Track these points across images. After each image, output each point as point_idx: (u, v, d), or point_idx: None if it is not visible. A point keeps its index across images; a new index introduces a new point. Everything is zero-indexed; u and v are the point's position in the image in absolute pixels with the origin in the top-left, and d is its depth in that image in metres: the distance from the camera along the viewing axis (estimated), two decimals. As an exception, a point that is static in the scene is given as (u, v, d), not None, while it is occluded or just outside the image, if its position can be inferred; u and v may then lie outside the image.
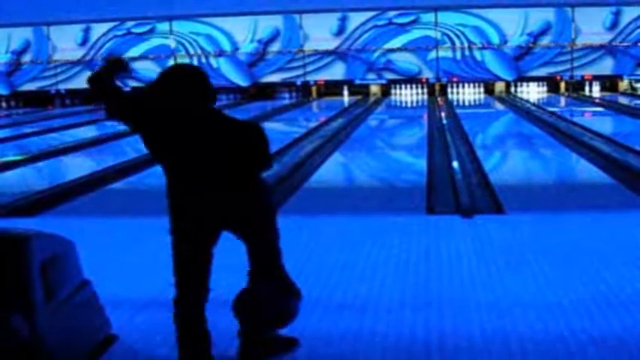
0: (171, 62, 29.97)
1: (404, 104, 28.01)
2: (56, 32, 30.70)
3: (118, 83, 4.62)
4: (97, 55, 30.56)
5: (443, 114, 22.05)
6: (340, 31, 29.46)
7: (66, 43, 30.66)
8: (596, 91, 29.46)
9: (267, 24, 29.76)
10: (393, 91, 30.24)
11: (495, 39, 28.83)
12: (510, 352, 4.47)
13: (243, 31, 29.93)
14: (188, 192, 4.36)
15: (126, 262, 6.71)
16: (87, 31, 30.57)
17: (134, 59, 30.32)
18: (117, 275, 6.24)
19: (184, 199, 4.40)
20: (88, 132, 20.79)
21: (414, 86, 29.94)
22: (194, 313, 4.34)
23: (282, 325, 4.43)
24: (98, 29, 30.50)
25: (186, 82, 4.18)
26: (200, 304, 4.37)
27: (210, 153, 4.19)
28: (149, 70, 30.34)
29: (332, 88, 30.27)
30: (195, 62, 30.07)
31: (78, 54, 30.76)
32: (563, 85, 29.67)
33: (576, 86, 29.48)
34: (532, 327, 4.85)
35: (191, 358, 4.28)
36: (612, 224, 7.67)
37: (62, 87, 31.13)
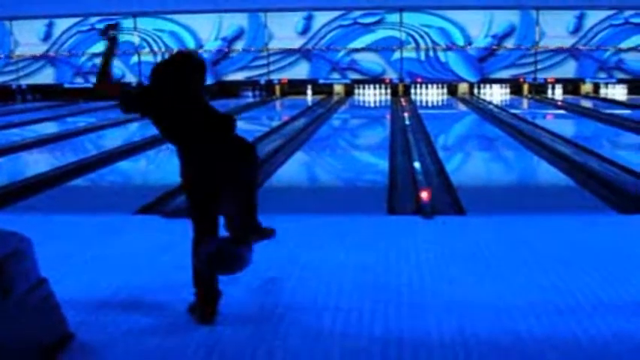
0: (134, 59, 29.87)
1: (367, 104, 28.04)
2: (18, 27, 30.45)
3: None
4: (60, 50, 30.35)
5: (406, 114, 22.08)
6: (305, 30, 29.46)
7: (28, 38, 30.42)
8: (558, 94, 29.65)
9: (232, 22, 29.70)
10: (356, 90, 30.27)
11: (460, 40, 28.93)
12: (468, 353, 4.48)
13: (208, 29, 29.84)
14: (197, 160, 5.13)
15: (84, 260, 6.66)
16: (50, 26, 30.35)
17: (97, 55, 30.16)
18: (74, 273, 6.20)
19: (195, 165, 5.15)
20: (49, 128, 20.64)
21: (377, 86, 29.99)
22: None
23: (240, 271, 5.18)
24: (61, 24, 30.28)
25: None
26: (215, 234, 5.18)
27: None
28: (112, 66, 30.15)
29: (296, 87, 30.26)
30: (158, 59, 29.98)
31: (40, 49, 30.52)
32: (526, 87, 29.84)
33: (539, 89, 29.66)
34: (491, 328, 4.86)
35: (209, 287, 5.12)
36: (572, 227, 7.71)
37: (24, 82, 30.88)
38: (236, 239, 5.25)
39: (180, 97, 5.08)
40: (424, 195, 9.05)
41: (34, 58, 30.66)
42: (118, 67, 30.16)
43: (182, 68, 5.10)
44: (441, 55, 29.18)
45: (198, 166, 5.15)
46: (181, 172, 5.24)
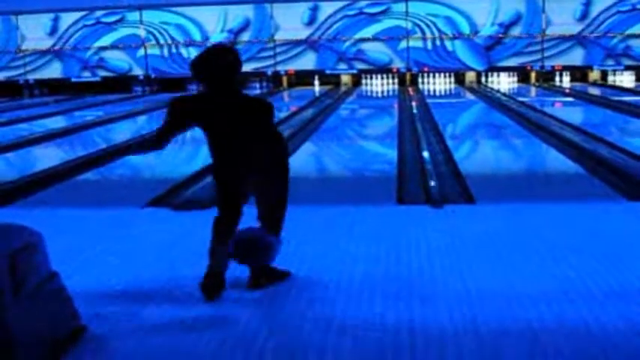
0: (141, 52, 29.88)
1: (375, 94, 28.00)
2: (25, 22, 30.46)
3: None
4: (67, 44, 30.36)
5: (414, 104, 22.07)
6: (311, 20, 29.41)
7: (34, 32, 30.43)
8: (566, 81, 29.57)
9: (238, 13, 29.65)
10: (363, 80, 30.23)
11: (466, 29, 28.86)
12: (481, 342, 4.48)
13: (214, 21, 29.82)
14: (228, 152, 5.42)
15: (94, 254, 6.67)
16: (56, 20, 30.34)
17: (103, 49, 30.19)
18: (85, 267, 6.22)
19: (225, 156, 5.44)
20: (58, 122, 20.65)
21: (384, 76, 29.94)
22: (228, 230, 5.43)
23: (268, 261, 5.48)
24: (67, 19, 30.27)
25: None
26: (233, 223, 5.48)
27: (236, 123, 5.36)
28: (119, 60, 30.22)
29: (303, 77, 30.22)
30: (165, 52, 30.00)
31: (47, 43, 30.53)
32: (533, 75, 29.76)
33: (547, 76, 29.58)
34: (502, 317, 4.86)
35: (217, 264, 5.39)
36: (582, 214, 7.70)
37: (31, 77, 30.91)
38: (266, 229, 5.50)
39: (218, 89, 5.44)
40: (433, 184, 9.05)
41: (41, 53, 30.66)
42: (124, 60, 30.19)
43: (218, 61, 5.45)
44: (448, 44, 29.11)
45: (229, 152, 5.43)
46: (213, 157, 5.53)
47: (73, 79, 30.64)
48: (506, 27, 28.60)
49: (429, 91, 27.90)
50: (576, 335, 4.55)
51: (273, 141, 5.52)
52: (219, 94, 5.43)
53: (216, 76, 5.43)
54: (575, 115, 20.05)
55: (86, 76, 30.58)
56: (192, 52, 29.80)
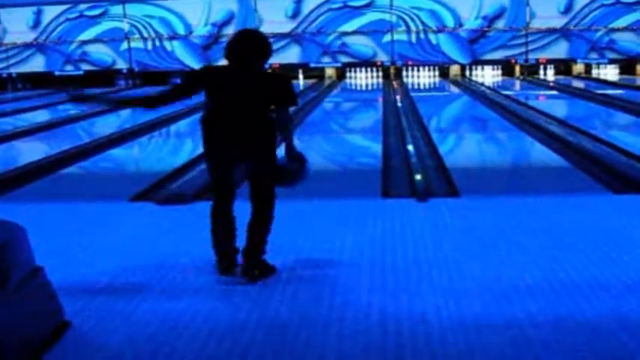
0: (124, 45, 29.79)
1: (359, 87, 28.01)
2: (6, 15, 30.33)
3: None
4: (49, 38, 30.24)
5: (398, 97, 22.08)
6: (295, 14, 29.38)
7: (17, 26, 30.29)
8: (550, 74, 29.65)
9: (222, 7, 29.60)
10: (348, 74, 30.24)
11: (450, 22, 28.88)
12: (467, 335, 4.48)
13: (197, 14, 29.76)
14: (223, 120, 5.65)
15: (79, 248, 6.64)
16: (38, 13, 30.22)
17: (87, 42, 30.08)
18: (70, 261, 6.19)
19: (218, 127, 5.68)
20: (41, 116, 20.58)
21: (369, 69, 29.96)
22: (225, 212, 5.88)
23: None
24: (50, 12, 30.15)
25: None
26: (229, 202, 5.90)
27: (245, 95, 5.62)
28: (102, 53, 30.13)
29: (287, 71, 30.18)
30: (148, 46, 29.92)
31: (29, 37, 30.40)
32: (517, 68, 29.81)
33: (531, 70, 29.64)
34: (488, 310, 4.86)
35: (221, 246, 5.81)
36: (567, 208, 7.71)
37: (14, 70, 30.78)
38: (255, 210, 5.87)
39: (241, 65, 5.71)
40: (418, 178, 9.05)
41: (24, 46, 30.53)
42: (107, 54, 30.10)
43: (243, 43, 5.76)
44: (432, 38, 29.13)
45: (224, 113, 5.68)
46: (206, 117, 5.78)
47: (57, 73, 30.53)
48: (491, 20, 28.64)
49: (413, 84, 27.92)
50: (563, 328, 4.55)
51: (269, 121, 5.74)
52: (241, 69, 5.71)
53: (241, 55, 5.71)
54: (559, 108, 20.09)
55: (69, 69, 30.48)
56: (176, 46, 29.77)
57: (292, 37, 29.51)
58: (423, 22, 28.95)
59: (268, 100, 5.70)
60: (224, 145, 5.71)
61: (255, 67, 5.76)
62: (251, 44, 5.76)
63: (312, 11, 29.23)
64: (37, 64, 30.59)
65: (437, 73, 29.75)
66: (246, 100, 5.63)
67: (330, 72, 30.39)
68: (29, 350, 4.25)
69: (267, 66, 5.92)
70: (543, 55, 28.80)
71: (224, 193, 5.89)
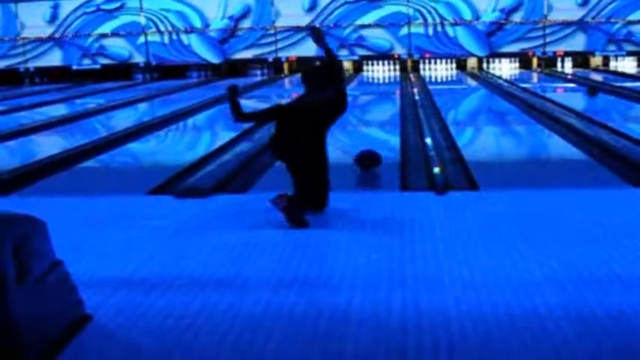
0: (141, 39, 29.82)
1: (376, 80, 27.98)
2: (24, 9, 30.42)
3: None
4: (67, 32, 30.31)
5: (415, 90, 22.05)
6: (312, 7, 29.38)
7: (34, 20, 30.39)
8: (568, 67, 29.55)
9: (238, 0, 29.61)
10: (365, 67, 30.23)
11: (467, 15, 28.83)
12: (487, 328, 4.46)
13: (214, 8, 29.78)
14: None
15: (99, 241, 6.65)
16: (55, 8, 30.31)
17: (104, 36, 30.13)
18: (90, 254, 6.20)
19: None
20: (59, 110, 20.64)
21: (386, 62, 29.93)
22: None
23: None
24: (67, 6, 30.24)
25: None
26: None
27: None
28: (120, 47, 30.19)
29: (304, 64, 30.14)
30: (165, 39, 29.96)
31: (47, 31, 30.49)
32: (535, 61, 29.72)
33: (548, 62, 29.55)
34: (507, 303, 4.84)
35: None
36: (585, 201, 7.68)
37: (31, 65, 30.88)
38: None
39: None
40: (437, 170, 9.04)
41: (41, 41, 30.62)
42: (124, 47, 30.15)
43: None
44: (449, 30, 29.09)
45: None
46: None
47: (74, 67, 30.62)
48: (508, 13, 28.58)
49: (430, 77, 27.87)
50: (582, 321, 4.53)
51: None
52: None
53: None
54: (577, 101, 20.01)
55: (87, 63, 30.58)
56: (193, 39, 29.80)
57: (309, 30, 29.49)
58: (440, 15, 28.91)
59: None
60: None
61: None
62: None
63: (328, 4, 29.21)
64: (54, 58, 30.69)
65: (454, 65, 29.73)
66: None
67: (347, 65, 30.37)
68: (51, 343, 4.26)
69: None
70: (561, 48, 28.72)
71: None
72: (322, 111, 7.26)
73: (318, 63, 6.93)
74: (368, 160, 10.07)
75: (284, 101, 7.43)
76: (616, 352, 4.17)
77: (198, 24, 29.93)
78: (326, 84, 7.39)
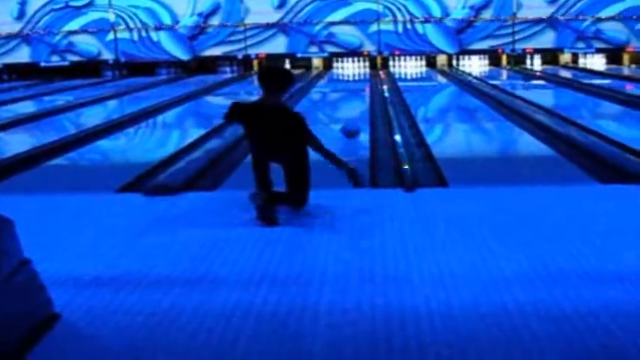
0: (110, 36, 29.68)
1: (346, 77, 27.99)
2: (-9, 6, 30.22)
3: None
4: (35, 28, 30.12)
5: (385, 87, 22.07)
6: (281, 4, 29.35)
7: (1, 17, 30.16)
8: (537, 64, 29.69)
9: (208, -3, 29.58)
10: (335, 64, 30.24)
11: (437, 12, 28.91)
12: (456, 325, 4.48)
13: (183, 4, 29.69)
14: (261, 146, 7.24)
15: (68, 240, 6.61)
16: (23, 4, 30.10)
17: (72, 33, 29.97)
18: (59, 253, 6.16)
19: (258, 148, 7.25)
20: (27, 107, 20.50)
21: (356, 59, 29.95)
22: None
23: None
24: (35, 3, 30.05)
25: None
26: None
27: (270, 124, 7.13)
28: (88, 44, 30.03)
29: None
30: (134, 36, 29.83)
31: (15, 28, 30.28)
32: (504, 58, 29.84)
33: (518, 59, 29.67)
34: (477, 300, 4.86)
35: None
36: (553, 197, 7.72)
37: (-1, 62, 30.70)
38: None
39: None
40: (406, 168, 9.07)
41: (8, 38, 30.40)
42: (93, 44, 30.00)
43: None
44: (419, 27, 29.15)
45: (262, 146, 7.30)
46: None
47: (42, 64, 30.42)
48: (477, 10, 28.69)
49: (400, 74, 27.91)
50: (551, 318, 4.55)
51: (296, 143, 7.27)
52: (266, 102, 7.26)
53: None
54: (546, 97, 20.11)
55: (55, 60, 30.38)
56: (162, 36, 29.70)
57: (279, 28, 29.47)
58: (409, 12, 28.96)
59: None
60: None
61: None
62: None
63: (298, 1, 29.19)
64: (22, 55, 30.49)
65: (424, 62, 29.80)
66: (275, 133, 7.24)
67: (317, 62, 30.40)
68: (18, 343, 4.23)
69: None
70: (530, 45, 28.86)
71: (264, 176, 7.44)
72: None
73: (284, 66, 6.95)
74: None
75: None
76: (585, 349, 4.19)
77: (167, 21, 29.84)
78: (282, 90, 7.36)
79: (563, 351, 4.15)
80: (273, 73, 7.33)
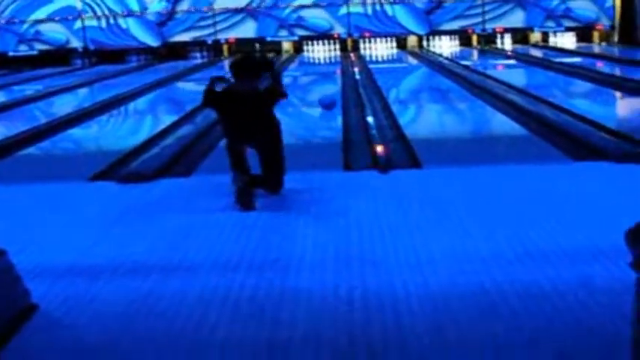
0: (78, 24, 29.48)
1: (317, 61, 27.96)
2: (-45, -5, 29.92)
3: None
4: (1, 18, 29.87)
5: (356, 69, 22.05)
6: (250, -12, 29.25)
7: (-32, 5, 29.91)
8: (507, 43, 29.73)
9: (176, -18, 29.43)
10: (305, 47, 30.17)
11: (407, -7, 28.90)
12: (435, 306, 4.48)
13: (152, -9, 29.54)
14: (236, 127, 7.26)
15: (42, 230, 6.58)
16: (-10, -7, 29.87)
17: (40, 22, 29.74)
18: (34, 243, 6.13)
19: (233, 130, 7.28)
20: (-3, 97, 20.36)
21: (326, 42, 29.89)
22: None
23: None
24: (1, -8, 29.80)
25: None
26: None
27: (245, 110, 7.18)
28: (56, 32, 29.81)
29: (243, 46, 29.97)
30: (103, 23, 29.64)
31: (-19, 16, 30.03)
32: (475, 38, 29.86)
33: (488, 39, 29.70)
34: (454, 280, 4.87)
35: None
36: (529, 176, 7.75)
37: (-33, 51, 30.42)
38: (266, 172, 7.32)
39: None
40: (380, 149, 9.07)
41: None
42: (61, 32, 29.78)
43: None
44: (388, 9, 29.12)
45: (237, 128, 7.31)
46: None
47: (10, 54, 30.18)
48: (447, -10, 28.67)
49: (371, 56, 27.90)
50: (529, 295, 4.57)
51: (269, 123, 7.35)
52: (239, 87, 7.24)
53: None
54: (518, 77, 20.17)
55: (23, 50, 30.15)
56: (131, 23, 29.55)
57: (248, 12, 29.37)
58: (379, -6, 28.93)
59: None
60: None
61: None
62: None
63: (267, -16, 29.11)
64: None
65: (394, 44, 29.75)
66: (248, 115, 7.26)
67: (287, 46, 30.30)
68: (-5, 334, 4.21)
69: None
70: (500, 25, 28.91)
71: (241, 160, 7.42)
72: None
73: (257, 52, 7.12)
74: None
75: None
76: (565, 325, 4.20)
77: (135, 7, 29.65)
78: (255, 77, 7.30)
79: (544, 328, 4.17)
80: (239, 62, 7.38)
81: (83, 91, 21.34)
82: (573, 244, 5.53)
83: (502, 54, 27.03)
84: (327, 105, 13.60)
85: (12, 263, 4.52)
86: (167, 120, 13.79)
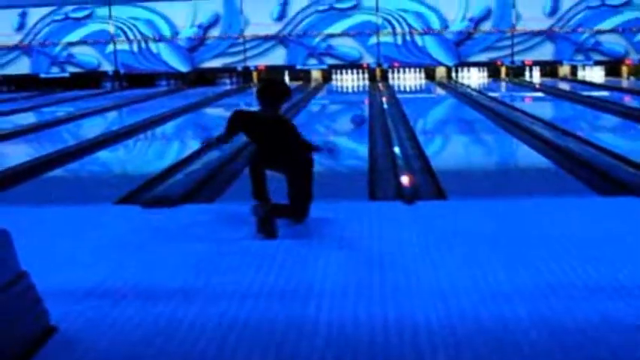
0: (110, 48, 29.70)
1: (345, 90, 28.00)
2: (-9, 17, 30.24)
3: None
4: (35, 40, 30.15)
5: (384, 99, 22.07)
6: (281, 16, 29.38)
7: (2, 28, 30.19)
8: (536, 76, 29.70)
9: (207, 8, 29.58)
10: (334, 76, 30.23)
11: (436, 24, 28.92)
12: (456, 339, 4.46)
13: (183, 16, 29.73)
14: (263, 154, 7.26)
15: (66, 252, 6.59)
16: (23, 16, 30.15)
17: (72, 44, 29.99)
18: (55, 265, 6.14)
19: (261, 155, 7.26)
20: (27, 119, 20.50)
21: (355, 71, 29.96)
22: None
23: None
24: (35, 14, 30.09)
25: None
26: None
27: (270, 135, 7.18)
28: (88, 55, 30.05)
29: (273, 73, 30.09)
30: (134, 48, 29.86)
31: (15, 39, 30.31)
32: (503, 70, 29.85)
33: (517, 71, 29.68)
34: (476, 313, 4.84)
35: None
36: (553, 210, 7.70)
37: (-1, 73, 30.70)
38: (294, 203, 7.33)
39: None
40: (405, 180, 9.05)
41: (8, 49, 30.42)
42: (93, 55, 30.03)
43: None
44: (418, 40, 29.17)
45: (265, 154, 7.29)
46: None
47: (42, 75, 30.44)
48: (477, 22, 28.71)
49: (399, 86, 27.92)
50: (551, 331, 4.53)
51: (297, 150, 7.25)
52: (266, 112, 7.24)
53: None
54: (545, 110, 20.12)
55: (55, 72, 30.40)
56: (162, 48, 29.73)
57: (278, 39, 29.49)
58: (409, 24, 28.99)
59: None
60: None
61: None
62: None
63: (298, 13, 29.23)
64: (22, 66, 30.51)
65: (423, 75, 29.79)
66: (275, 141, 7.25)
67: (316, 74, 30.39)
68: (14, 356, 4.22)
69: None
70: (529, 57, 28.89)
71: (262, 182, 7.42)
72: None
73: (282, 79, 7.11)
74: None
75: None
76: (584, 362, 4.18)
77: (167, 32, 29.86)
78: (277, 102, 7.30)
79: (563, 365, 4.14)
80: (266, 87, 7.30)
81: (112, 114, 21.48)
82: (596, 279, 5.48)
83: (530, 86, 26.98)
84: (358, 122, 14.86)
85: (33, 284, 4.53)
86: (194, 145, 13.83)
